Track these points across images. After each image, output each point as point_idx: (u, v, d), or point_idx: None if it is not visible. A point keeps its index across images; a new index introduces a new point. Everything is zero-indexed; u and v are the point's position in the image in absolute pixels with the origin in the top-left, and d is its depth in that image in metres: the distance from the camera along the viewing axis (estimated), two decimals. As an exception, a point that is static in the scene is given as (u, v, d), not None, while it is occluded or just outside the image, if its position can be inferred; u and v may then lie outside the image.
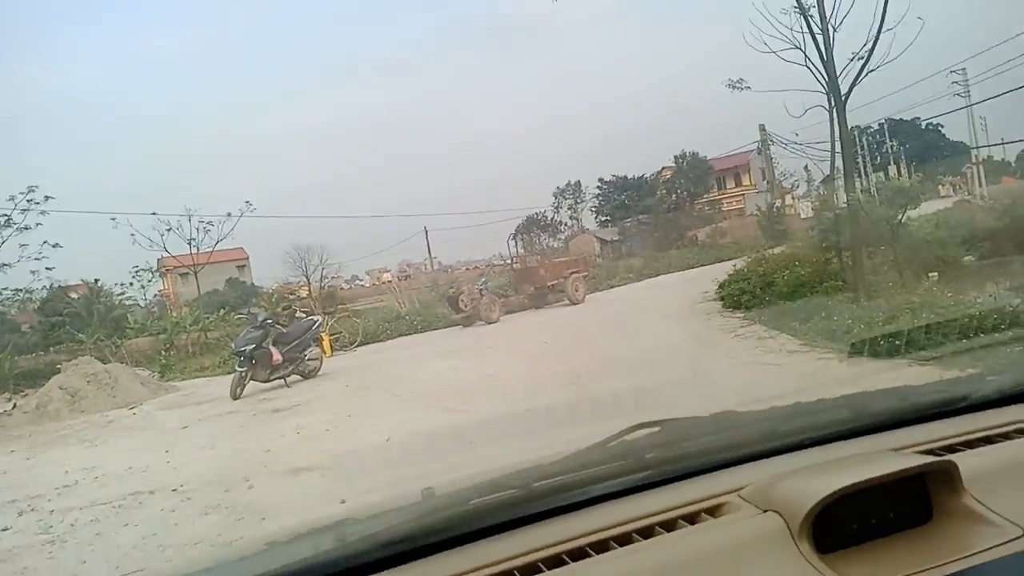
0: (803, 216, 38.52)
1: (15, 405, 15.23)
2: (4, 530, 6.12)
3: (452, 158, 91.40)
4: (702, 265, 29.75)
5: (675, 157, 55.43)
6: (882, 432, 1.46)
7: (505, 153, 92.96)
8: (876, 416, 1.53)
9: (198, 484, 6.64)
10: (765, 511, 1.13)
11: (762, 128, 35.95)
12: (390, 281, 47.61)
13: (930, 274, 12.39)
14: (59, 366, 17.30)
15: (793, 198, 49.74)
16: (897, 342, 7.64)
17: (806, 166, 46.45)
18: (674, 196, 52.87)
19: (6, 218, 23.94)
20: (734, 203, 57.53)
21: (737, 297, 13.43)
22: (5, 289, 29.36)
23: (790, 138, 29.17)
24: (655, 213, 49.13)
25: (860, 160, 37.78)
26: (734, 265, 16.53)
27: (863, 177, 35.52)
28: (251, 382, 12.63)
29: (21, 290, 30.22)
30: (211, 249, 27.40)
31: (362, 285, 64.34)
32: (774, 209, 36.64)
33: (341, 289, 47.41)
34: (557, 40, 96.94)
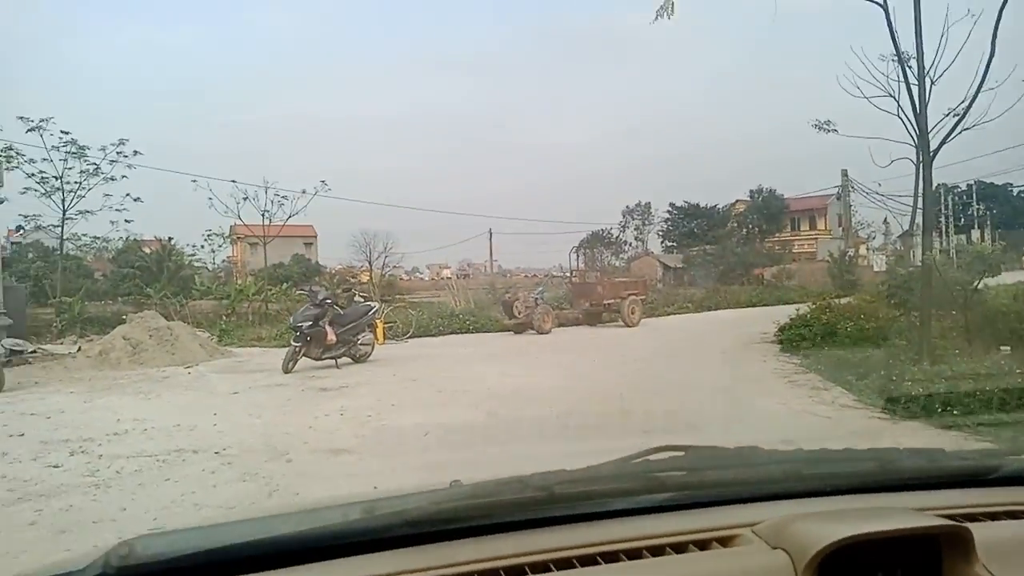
0: (875, 269, 37.54)
1: (80, 348, 15.91)
2: (56, 467, 6.40)
3: (526, 163, 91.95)
4: (764, 304, 29.23)
5: (751, 191, 54.70)
6: (905, 491, 1.47)
7: (579, 165, 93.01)
8: (901, 474, 1.54)
9: (240, 450, 6.82)
10: (775, 548, 1.15)
11: (844, 173, 35.14)
12: (449, 278, 47.99)
13: (1001, 347, 11.92)
14: (125, 317, 18.01)
15: (867, 249, 48.46)
16: (955, 412, 7.40)
17: (885, 218, 45.15)
18: (744, 231, 52.08)
19: (95, 167, 24.91)
20: (805, 246, 56.36)
21: (796, 342, 13.16)
22: (85, 235, 30.61)
23: (872, 187, 28.39)
24: (723, 245, 48.46)
25: (942, 219, 36.63)
26: (797, 309, 16.20)
27: (943, 237, 34.47)
28: (303, 358, 12.92)
29: (99, 238, 31.53)
30: (282, 223, 27.97)
31: (421, 278, 65.16)
32: (846, 257, 35.74)
33: (401, 279, 48.10)
34: (646, 59, 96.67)
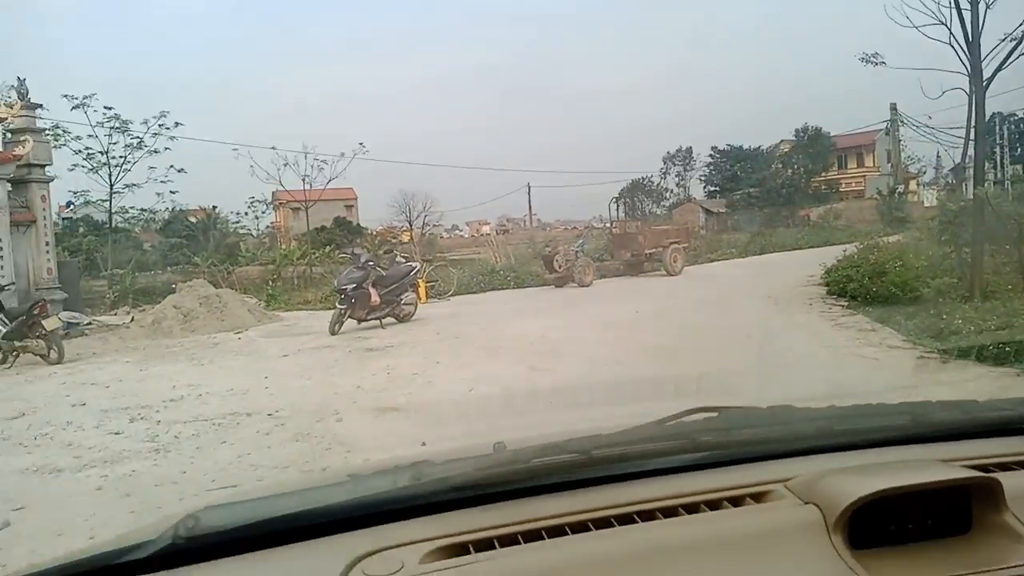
0: (926, 204, 36.47)
1: (133, 319, 16.38)
2: (117, 433, 6.66)
3: (563, 114, 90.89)
4: (811, 247, 28.70)
5: (796, 131, 53.17)
6: (936, 443, 1.48)
7: (618, 113, 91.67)
8: (934, 426, 1.55)
9: (291, 412, 7.00)
10: (806, 503, 1.17)
11: (893, 107, 33.99)
12: (488, 234, 48.06)
13: (1059, 282, 11.56)
14: (174, 286, 18.42)
15: (918, 184, 47.07)
16: (1007, 349, 7.23)
17: (937, 152, 43.71)
18: (790, 172, 50.78)
19: (139, 140, 25.34)
20: (853, 184, 54.92)
21: (843, 284, 12.89)
22: (132, 208, 31.25)
23: (922, 120, 27.45)
24: (767, 188, 47.48)
25: (997, 151, 35.26)
26: (844, 250, 15.84)
27: (998, 169, 33.20)
28: (349, 320, 13.13)
29: (146, 210, 32.12)
30: (323, 187, 28.20)
31: (461, 235, 65.36)
32: (896, 194, 34.80)
33: (441, 238, 48.37)
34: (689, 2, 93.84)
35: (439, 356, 9.86)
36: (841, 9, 79.84)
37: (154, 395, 8.31)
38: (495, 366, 8.76)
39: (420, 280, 16.32)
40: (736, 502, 1.23)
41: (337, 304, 13.51)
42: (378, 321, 13.44)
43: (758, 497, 1.24)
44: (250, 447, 5.91)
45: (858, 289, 12.19)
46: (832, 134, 51.74)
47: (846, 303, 12.04)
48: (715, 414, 1.62)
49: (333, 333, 12.72)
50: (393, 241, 33.76)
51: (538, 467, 1.30)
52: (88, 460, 5.85)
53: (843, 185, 55.11)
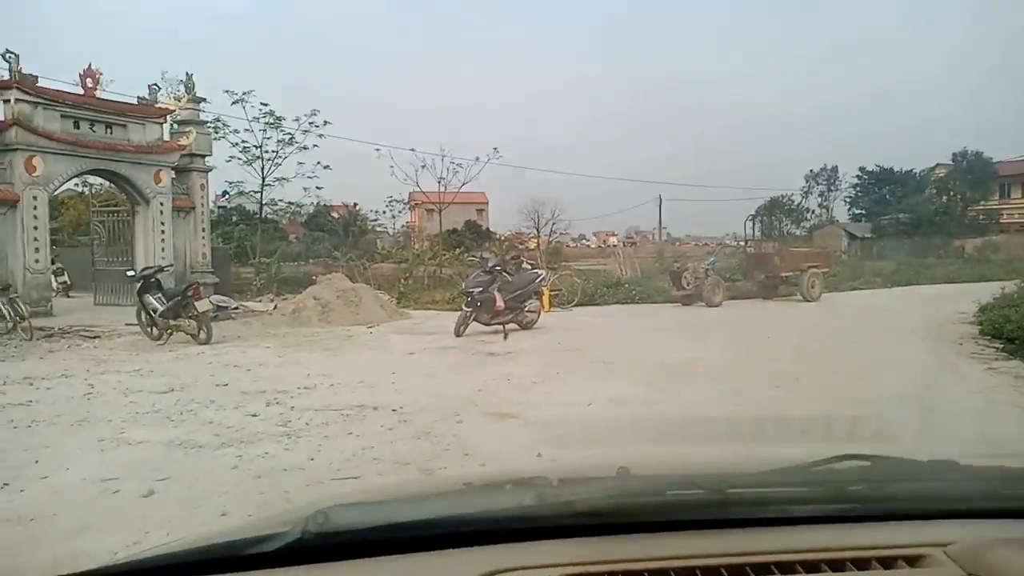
0: (1102, 243, 33.17)
1: (276, 306, 17.36)
2: (254, 416, 7.05)
3: (701, 126, 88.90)
4: (964, 281, 26.68)
5: (954, 154, 49.72)
6: None
7: (756, 127, 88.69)
8: None
9: (415, 409, 7.18)
10: (969, 574, 1.07)
11: (1069, 135, 31.09)
12: (615, 245, 47.67)
13: None
14: (315, 277, 19.38)
15: (1093, 219, 42.86)
16: None
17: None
18: (945, 198, 47.47)
19: (290, 136, 26.84)
20: (1016, 216, 50.62)
21: (999, 324, 11.87)
22: (281, 200, 33.15)
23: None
24: (919, 214, 44.59)
25: None
26: (1003, 287, 14.68)
27: None
28: (474, 323, 13.36)
29: (293, 203, 33.97)
30: (457, 190, 28.94)
31: (588, 245, 65.22)
32: (1066, 229, 31.82)
33: (567, 246, 48.35)
34: (837, 10, 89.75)
35: (559, 367, 9.85)
36: (1016, 23, 73.96)
37: (290, 381, 8.73)
38: (614, 383, 8.64)
39: (545, 288, 16.39)
40: (887, 563, 1.14)
41: (463, 306, 13.77)
42: (501, 326, 13.60)
43: (912, 560, 1.14)
44: (374, 440, 6.09)
45: (1016, 331, 11.20)
46: (996, 160, 48.02)
47: (1001, 346, 11.10)
48: (868, 463, 1.50)
49: (458, 335, 12.99)
50: (520, 247, 34.14)
51: (671, 502, 1.25)
52: (226, 439, 6.21)
53: (1005, 216, 50.90)
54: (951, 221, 44.31)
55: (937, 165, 50.88)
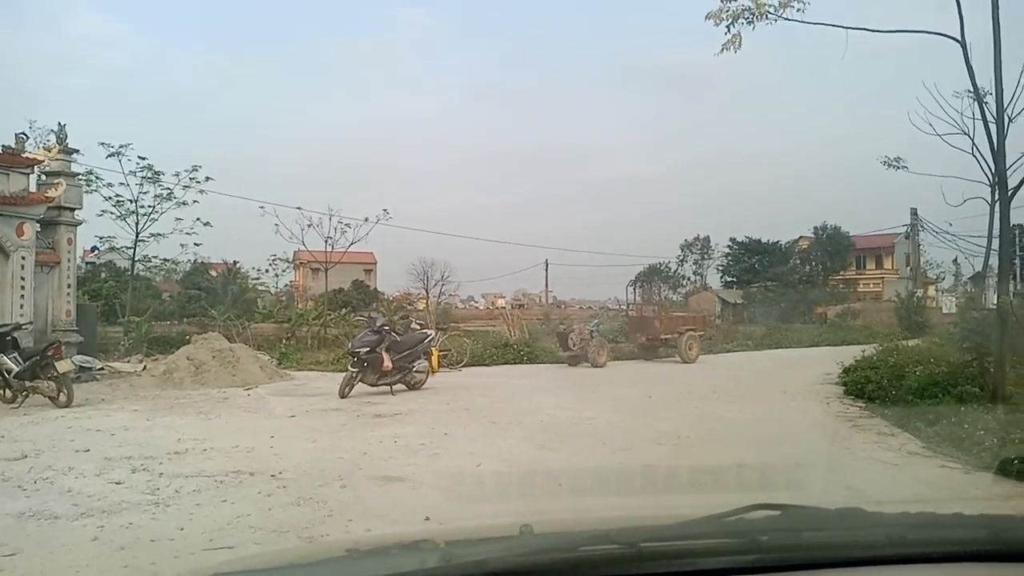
0: (945, 311, 36.29)
1: (145, 367, 16.38)
2: (118, 483, 6.55)
3: (585, 196, 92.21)
4: (827, 344, 28.43)
5: (815, 228, 53.72)
6: (1020, 562, 1.36)
7: (638, 199, 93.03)
8: (1017, 544, 1.43)
9: (295, 474, 6.88)
10: None
11: (914, 212, 34.31)
12: (503, 307, 48.14)
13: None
14: (189, 337, 18.47)
15: (937, 290, 47.02)
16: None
17: (956, 259, 43.71)
18: (808, 268, 50.99)
19: (169, 192, 25.80)
20: (871, 285, 54.90)
21: (862, 385, 12.70)
22: (156, 257, 31.62)
23: (943, 227, 27.53)
24: (785, 282, 47.55)
25: (1019, 261, 35.22)
26: (863, 351, 15.73)
27: (1019, 280, 33.09)
28: (360, 384, 13.04)
29: (168, 260, 32.45)
30: (344, 249, 28.51)
31: (476, 307, 65.60)
32: (914, 298, 34.65)
33: (456, 307, 48.47)
34: (711, 94, 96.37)
35: (448, 427, 9.72)
36: (866, 112, 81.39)
37: (159, 446, 8.22)
38: (505, 442, 8.60)
39: (433, 348, 16.24)
40: None
41: (349, 367, 13.45)
42: (389, 387, 13.33)
43: None
44: (251, 508, 5.78)
45: (876, 391, 12.00)
46: (851, 234, 52.10)
47: (863, 404, 11.84)
48: (779, 512, 1.52)
49: (343, 396, 12.62)
50: (409, 308, 33.88)
51: (584, 558, 1.21)
52: (86, 508, 5.74)
53: (861, 285, 55.12)
54: (814, 289, 47.48)
55: (800, 237, 54.66)
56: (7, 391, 11.63)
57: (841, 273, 53.89)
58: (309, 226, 27.66)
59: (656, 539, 1.27)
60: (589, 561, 1.20)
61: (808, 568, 1.28)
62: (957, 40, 10.31)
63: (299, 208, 27.83)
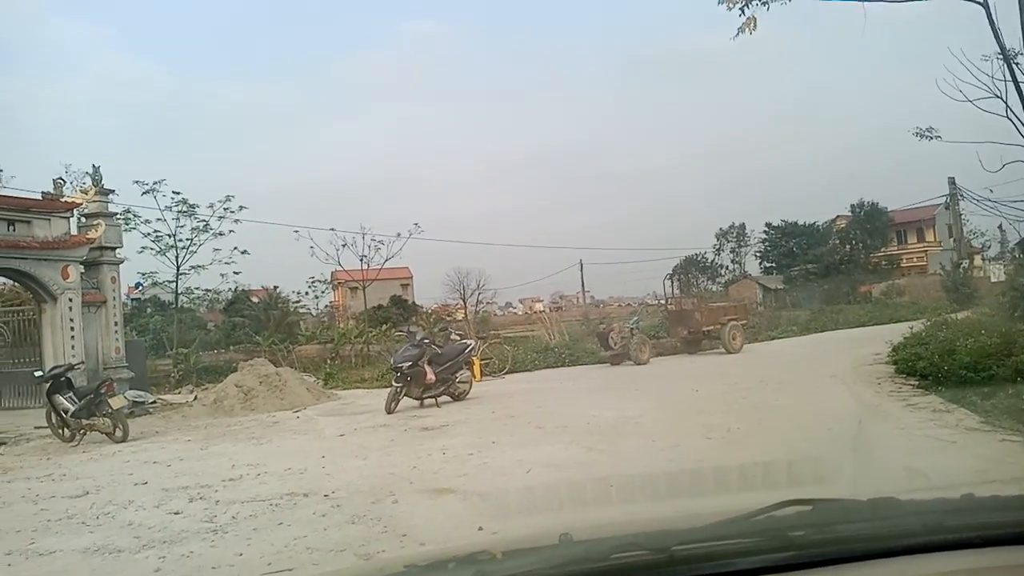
0: (993, 280, 35.35)
1: (196, 397, 16.69)
2: (177, 513, 6.67)
3: (615, 191, 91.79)
4: (875, 324, 27.86)
5: (852, 206, 52.71)
6: None
7: (669, 189, 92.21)
8: None
9: (348, 492, 6.94)
10: None
11: (951, 181, 33.36)
12: (542, 311, 48.04)
13: None
14: (236, 365, 18.78)
15: (983, 259, 45.81)
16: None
17: (1000, 225, 42.51)
18: (848, 247, 49.98)
19: (204, 223, 26.36)
20: (915, 259, 53.69)
21: (912, 363, 12.40)
22: (198, 288, 32.33)
23: (983, 194, 26.79)
24: (825, 263, 46.70)
25: (1068, 222, 34.21)
26: (911, 327, 15.38)
27: (1069, 241, 32.08)
28: (405, 398, 13.13)
29: (211, 290, 33.19)
30: (380, 266, 28.87)
31: (515, 313, 65.58)
32: (960, 269, 33.78)
33: (495, 315, 48.51)
34: (735, 77, 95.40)
35: (495, 435, 9.73)
36: (892, 83, 79.84)
37: (214, 474, 8.35)
38: (552, 447, 8.59)
39: (475, 358, 16.31)
40: None
41: (393, 382, 13.55)
42: (434, 399, 13.41)
43: None
44: (307, 529, 5.84)
45: (928, 368, 11.71)
46: (890, 209, 51.03)
47: (916, 382, 11.56)
48: (809, 507, 1.50)
49: (389, 412, 12.72)
50: (448, 319, 34.05)
51: (615, 566, 1.21)
52: (148, 540, 5.86)
53: (904, 260, 53.92)
54: (856, 268, 46.54)
55: (837, 217, 53.67)
56: (65, 430, 11.93)
57: (883, 250, 52.75)
58: (344, 246, 28.18)
59: (687, 542, 1.26)
60: (621, 568, 1.21)
61: (844, 562, 1.27)
62: (979, 3, 10.06)
63: (332, 229, 28.34)
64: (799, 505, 1.50)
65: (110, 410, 11.79)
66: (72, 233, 17.55)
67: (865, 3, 10.38)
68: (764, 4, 9.99)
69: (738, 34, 10.31)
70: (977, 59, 10.60)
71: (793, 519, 1.45)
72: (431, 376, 13.27)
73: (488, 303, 44.98)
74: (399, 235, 28.59)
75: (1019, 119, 10.48)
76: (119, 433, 11.68)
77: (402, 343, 15.83)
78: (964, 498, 1.55)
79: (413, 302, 46.63)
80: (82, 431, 11.82)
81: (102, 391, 11.96)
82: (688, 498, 4.87)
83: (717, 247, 58.33)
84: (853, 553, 1.30)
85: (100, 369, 16.85)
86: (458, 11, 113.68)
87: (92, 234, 17.63)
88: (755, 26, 10.18)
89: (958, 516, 1.46)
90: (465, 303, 42.23)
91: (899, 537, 1.35)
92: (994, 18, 10.11)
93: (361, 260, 28.44)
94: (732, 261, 58.59)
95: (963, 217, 36.63)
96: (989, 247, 48.09)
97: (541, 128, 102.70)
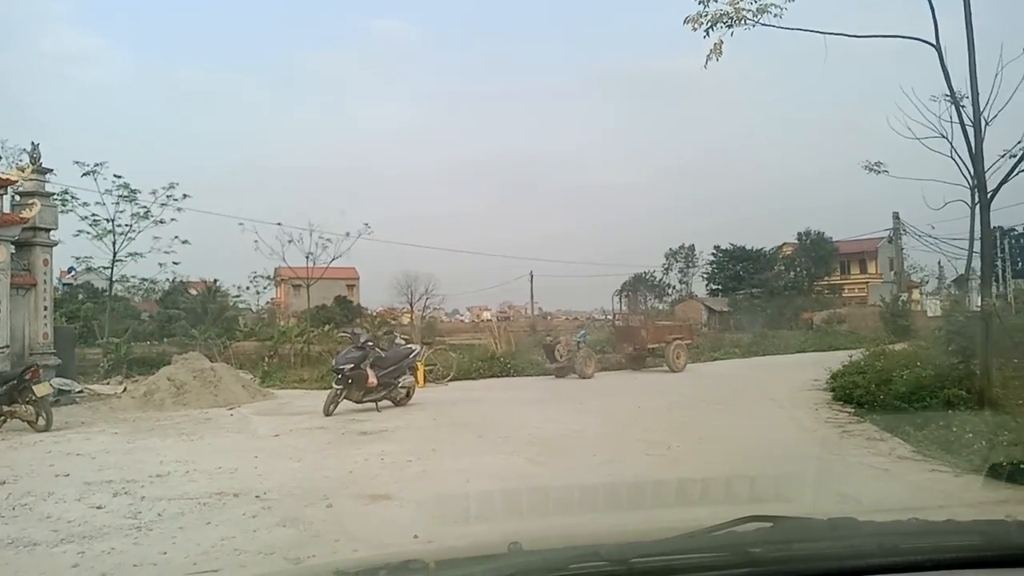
0: (930, 314, 36.60)
1: (125, 389, 16.18)
2: (99, 508, 6.42)
3: (568, 206, 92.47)
4: (815, 350, 28.56)
5: (799, 234, 54.13)
6: (1015, 567, 1.34)
7: (621, 207, 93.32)
8: (1010, 549, 1.41)
9: (280, 494, 6.77)
10: None
11: (896, 216, 34.59)
12: (489, 320, 48.10)
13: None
14: (170, 357, 18.25)
15: (921, 294, 47.45)
16: (1022, 464, 7.00)
17: (939, 262, 44.10)
18: (792, 274, 51.37)
19: (146, 210, 25.57)
20: (856, 290, 55.36)
21: (850, 390, 12.73)
22: (134, 276, 31.35)
23: (925, 230, 27.74)
24: (770, 288, 47.86)
25: (1000, 263, 35.67)
26: (850, 356, 15.78)
27: (1001, 282, 33.47)
28: (344, 401, 12.89)
29: (147, 280, 32.21)
30: (326, 265, 28.39)
31: (462, 320, 65.49)
32: (899, 302, 34.93)
33: (441, 321, 48.36)
34: (691, 101, 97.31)
35: (435, 443, 9.63)
36: (845, 117, 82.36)
37: (140, 469, 8.07)
38: (493, 457, 8.52)
39: (419, 363, 16.13)
40: None
41: (333, 384, 13.31)
42: (374, 403, 13.20)
43: None
44: (235, 530, 5.66)
45: (864, 396, 12.02)
46: (835, 239, 52.55)
47: (852, 410, 11.85)
48: (770, 524, 1.49)
49: (328, 414, 12.47)
50: (393, 322, 33.78)
51: (574, 575, 1.16)
52: (66, 534, 5.63)
53: (846, 290, 55.56)
54: (799, 294, 47.79)
55: (784, 243, 55.03)
56: (-16, 416, 11.41)
57: (826, 279, 54.31)
58: (290, 242, 27.60)
59: (647, 555, 1.22)
60: None
61: None
62: (932, 44, 10.39)
63: (279, 224, 27.74)
64: (759, 521, 1.50)
65: (34, 397, 11.37)
66: (4, 211, 16.84)
67: (825, 35, 10.63)
68: (729, 27, 10.14)
69: (706, 63, 10.45)
70: (927, 99, 10.98)
71: (753, 535, 1.44)
72: (373, 380, 13.06)
73: (435, 309, 44.93)
74: (348, 234, 28.14)
75: (962, 160, 10.86)
76: (42, 422, 11.25)
77: (345, 344, 15.59)
78: (918, 522, 1.58)
79: (358, 303, 46.19)
80: (2, 418, 11.37)
81: (27, 377, 11.54)
82: (631, 511, 4.84)
83: (666, 266, 59.24)
84: (812, 571, 1.30)
85: (26, 354, 16.15)
86: (426, 13, 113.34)
87: (26, 213, 16.92)
88: (721, 51, 10.33)
89: (913, 539, 1.48)
90: (412, 307, 42.00)
91: (856, 557, 1.36)
92: (945, 61, 10.47)
93: (307, 258, 27.93)
94: (680, 281, 59.54)
95: (904, 252, 37.93)
96: (927, 282, 49.80)
97: (499, 136, 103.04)
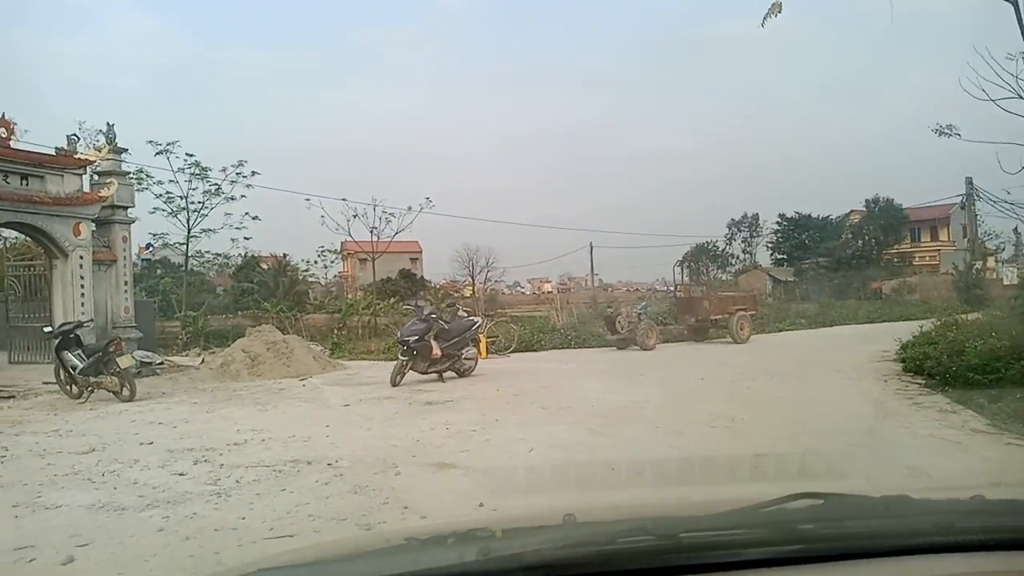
0: (1006, 282, 35.14)
1: (203, 360, 16.79)
2: (181, 475, 6.73)
3: (630, 175, 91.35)
4: (883, 320, 27.77)
5: (867, 201, 52.25)
6: None
7: (684, 176, 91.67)
8: None
9: (351, 462, 6.98)
10: None
11: (969, 181, 33.06)
12: (550, 292, 48.03)
13: None
14: (244, 330, 18.86)
15: (997, 261, 45.48)
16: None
17: (1016, 228, 42.17)
18: (860, 243, 49.68)
19: (217, 187, 26.35)
20: (927, 258, 53.35)
21: (920, 361, 12.37)
22: (208, 252, 32.39)
23: (1000, 195, 26.52)
24: (837, 258, 46.49)
25: (1083, 228, 33.91)
26: (920, 326, 15.32)
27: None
28: (410, 372, 13.17)
29: (221, 255, 33.26)
30: (390, 239, 28.78)
31: (523, 292, 65.55)
32: (973, 270, 33.57)
33: (502, 293, 48.52)
34: (756, 65, 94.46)
35: (498, 413, 9.76)
36: (914, 79, 78.85)
37: (219, 438, 8.41)
38: (555, 427, 8.61)
39: (481, 335, 16.31)
40: None
41: (399, 355, 13.58)
42: (438, 374, 13.45)
43: None
44: (309, 496, 5.88)
45: (936, 368, 11.67)
46: (904, 206, 50.63)
47: (923, 382, 11.54)
48: (820, 501, 1.49)
49: (394, 384, 12.77)
50: (455, 295, 34.08)
51: (620, 550, 1.20)
52: (152, 500, 5.91)
53: (916, 259, 53.62)
54: (867, 264, 46.30)
55: (851, 211, 53.29)
56: (73, 387, 12.03)
57: (895, 247, 52.45)
58: (355, 217, 28.05)
59: (694, 529, 1.25)
60: (627, 553, 1.20)
61: (853, 558, 1.26)
62: (1010, 0, 9.87)
63: (344, 199, 28.21)
64: (810, 498, 1.49)
65: (118, 369, 11.86)
66: (84, 190, 17.58)
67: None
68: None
69: (763, 23, 10.14)
70: (1001, 57, 10.45)
71: (803, 512, 1.44)
72: (437, 351, 13.30)
73: (496, 281, 45.08)
74: (410, 208, 28.44)
75: (1042, 122, 10.34)
76: (126, 392, 11.76)
77: (409, 317, 15.87)
78: (976, 500, 1.54)
79: (422, 276, 46.71)
80: (90, 389, 11.91)
81: (110, 350, 12.01)
82: (691, 486, 4.87)
83: (729, 236, 58.22)
84: (863, 549, 1.29)
85: (109, 328, 16.95)
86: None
87: (104, 192, 17.64)
88: (780, 9, 10.00)
89: (969, 518, 1.45)
90: (473, 280, 42.28)
91: (910, 536, 1.34)
92: (1021, 15, 9.94)
93: (371, 232, 28.37)
94: (743, 251, 58.50)
95: (978, 218, 36.31)
96: (1003, 249, 47.83)
97: (555, 107, 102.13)
